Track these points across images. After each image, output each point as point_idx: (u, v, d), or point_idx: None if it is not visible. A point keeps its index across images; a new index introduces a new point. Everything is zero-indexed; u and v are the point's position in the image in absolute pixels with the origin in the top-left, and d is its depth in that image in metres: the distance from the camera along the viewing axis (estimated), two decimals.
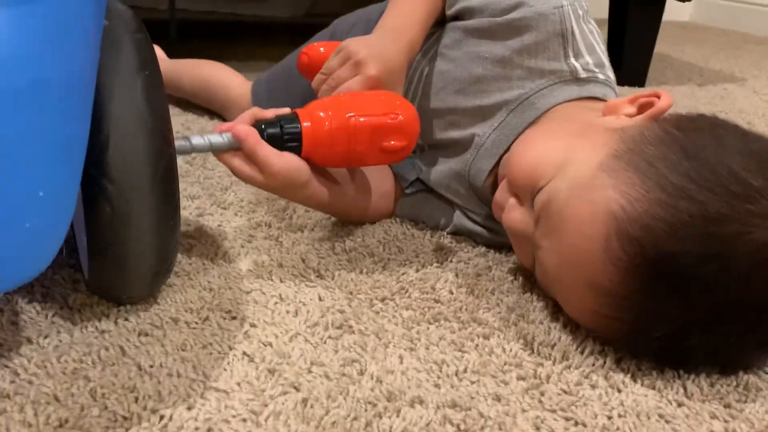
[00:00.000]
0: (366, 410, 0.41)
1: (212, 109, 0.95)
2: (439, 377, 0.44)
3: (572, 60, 0.57)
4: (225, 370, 0.43)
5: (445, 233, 0.64)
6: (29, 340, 0.45)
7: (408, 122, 0.55)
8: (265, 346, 0.46)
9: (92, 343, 0.45)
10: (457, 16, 0.62)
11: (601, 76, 0.58)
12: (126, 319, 0.48)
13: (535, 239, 0.50)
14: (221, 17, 1.40)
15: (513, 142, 0.58)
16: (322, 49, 0.64)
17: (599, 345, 0.48)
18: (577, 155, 0.48)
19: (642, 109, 0.52)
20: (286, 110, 0.54)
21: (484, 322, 0.50)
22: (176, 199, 0.45)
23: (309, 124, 0.53)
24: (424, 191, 0.64)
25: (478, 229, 0.62)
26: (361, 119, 0.53)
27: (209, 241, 0.60)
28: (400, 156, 0.57)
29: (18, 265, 0.35)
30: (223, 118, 0.93)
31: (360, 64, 0.55)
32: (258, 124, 0.53)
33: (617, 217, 0.43)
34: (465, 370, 0.45)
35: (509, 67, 0.58)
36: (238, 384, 0.42)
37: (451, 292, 0.54)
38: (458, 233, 0.64)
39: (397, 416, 0.40)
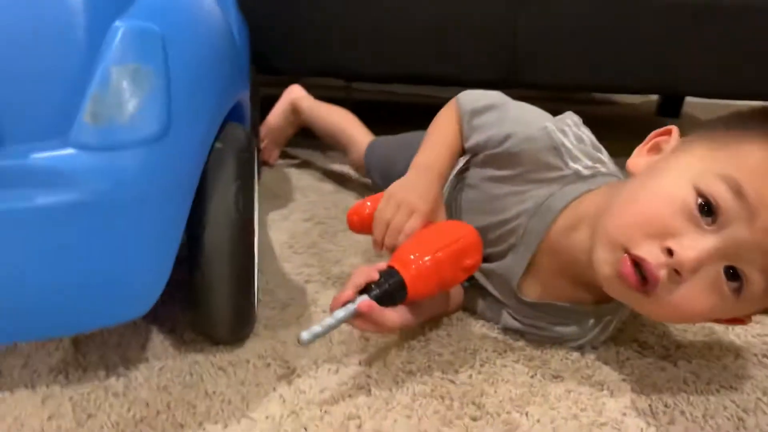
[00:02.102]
0: None
1: (335, 147, 1.20)
2: None
3: (572, 164, 0.65)
4: (262, 404, 0.58)
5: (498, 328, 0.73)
6: (147, 359, 0.64)
7: (475, 238, 0.67)
8: (300, 393, 0.60)
9: (183, 369, 0.62)
10: (473, 150, 0.73)
11: (603, 170, 0.65)
12: (214, 355, 0.65)
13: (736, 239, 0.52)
14: (398, 98, 1.59)
15: (540, 244, 0.66)
16: (368, 203, 0.72)
17: None
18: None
19: (655, 150, 0.61)
20: (383, 265, 0.62)
21: (482, 406, 0.59)
22: (251, 273, 0.62)
23: (407, 272, 0.61)
24: (478, 285, 0.74)
25: (520, 327, 0.70)
26: (444, 251, 0.63)
27: (303, 302, 0.76)
28: (476, 267, 0.68)
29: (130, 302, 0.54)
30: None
31: (411, 206, 0.66)
32: (369, 286, 0.61)
33: None
34: None
35: (519, 183, 0.68)
36: (266, 417, 0.56)
37: (470, 377, 0.63)
38: (508, 329, 0.72)
39: None
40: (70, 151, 0.49)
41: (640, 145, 0.63)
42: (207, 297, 0.60)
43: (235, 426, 0.55)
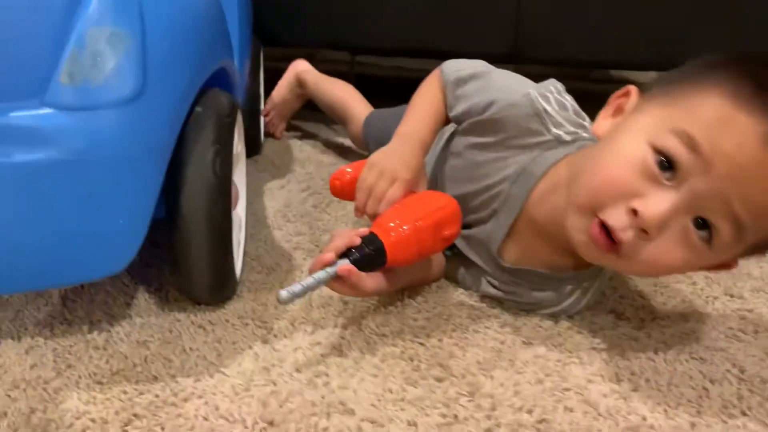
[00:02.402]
0: (311, 411, 0.54)
1: (337, 120, 1.22)
2: (379, 400, 0.56)
3: (554, 130, 0.66)
4: (236, 361, 0.60)
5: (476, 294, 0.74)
6: (130, 316, 0.66)
7: (455, 209, 0.68)
8: (274, 351, 0.62)
9: (164, 326, 0.65)
10: (457, 120, 0.74)
11: (585, 135, 0.66)
12: (195, 315, 0.67)
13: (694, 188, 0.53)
14: (405, 73, 1.60)
15: (521, 210, 0.67)
16: (349, 169, 0.74)
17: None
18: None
19: (618, 112, 0.61)
20: (365, 231, 0.64)
21: (447, 368, 0.60)
22: (228, 236, 0.64)
23: (387, 239, 0.62)
24: (460, 255, 0.75)
25: (498, 293, 0.71)
26: (424, 221, 0.65)
27: (289, 268, 0.78)
28: (455, 237, 0.69)
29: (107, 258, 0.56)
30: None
31: (393, 174, 0.67)
32: (349, 251, 0.62)
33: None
34: (402, 399, 0.56)
35: (502, 149, 0.68)
36: (238, 372, 0.59)
37: (441, 341, 0.65)
38: (486, 296, 0.73)
39: (327, 419, 0.53)
40: (46, 110, 0.51)
41: (604, 108, 0.63)
42: (185, 258, 0.62)
43: (207, 380, 0.57)
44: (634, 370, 0.62)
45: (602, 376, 0.61)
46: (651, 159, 0.54)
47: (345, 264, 0.61)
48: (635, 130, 0.57)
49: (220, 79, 0.72)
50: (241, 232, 0.77)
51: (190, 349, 0.62)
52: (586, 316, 0.71)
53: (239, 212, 0.77)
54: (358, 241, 0.63)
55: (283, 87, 1.28)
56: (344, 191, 0.73)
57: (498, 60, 1.42)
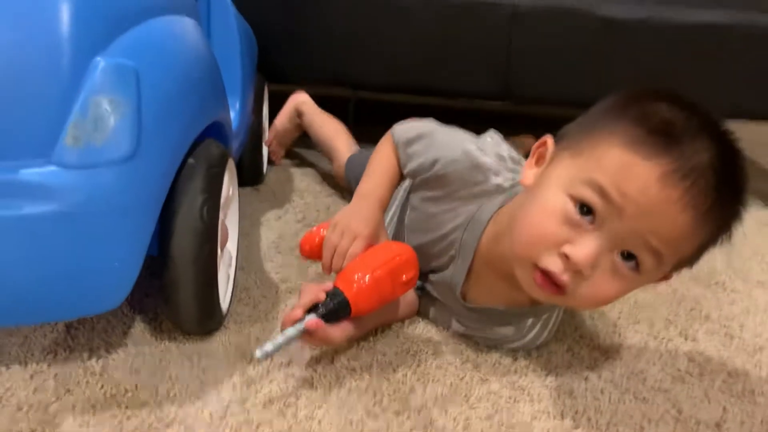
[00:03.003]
0: None
1: (324, 155, 1.30)
2: (341, 431, 0.62)
3: (494, 179, 0.73)
4: (216, 390, 0.67)
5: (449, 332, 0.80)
6: (126, 345, 0.73)
7: (410, 256, 0.74)
8: (251, 383, 0.69)
9: (155, 355, 0.72)
10: (410, 176, 0.81)
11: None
12: (184, 344, 0.74)
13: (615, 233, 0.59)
14: (402, 99, 1.66)
15: (475, 254, 0.74)
16: (320, 231, 0.78)
17: None
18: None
19: (540, 160, 0.68)
20: (329, 285, 0.70)
21: (407, 402, 0.67)
22: (213, 275, 0.70)
23: (350, 291, 0.69)
24: (431, 295, 0.81)
25: (466, 331, 0.78)
26: (382, 269, 0.71)
27: (275, 300, 0.85)
28: (414, 281, 0.75)
29: (103, 298, 0.63)
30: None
31: (354, 231, 0.74)
32: (315, 306, 0.69)
33: None
34: (361, 431, 0.62)
35: (451, 201, 0.76)
36: (216, 401, 0.65)
37: (405, 376, 0.71)
38: (457, 333, 0.79)
39: None
40: (52, 168, 0.58)
41: (528, 158, 0.70)
42: (174, 295, 0.69)
43: (189, 407, 0.64)
44: (578, 409, 0.68)
45: (548, 413, 0.67)
46: (571, 208, 0.61)
47: (312, 319, 0.67)
48: (554, 182, 0.63)
49: (214, 130, 0.79)
50: (231, 267, 0.84)
51: (176, 377, 0.68)
52: (544, 353, 0.77)
53: (230, 248, 0.84)
54: (323, 296, 0.70)
55: (283, 116, 1.36)
56: (313, 253, 0.79)
57: (491, 98, 1.50)
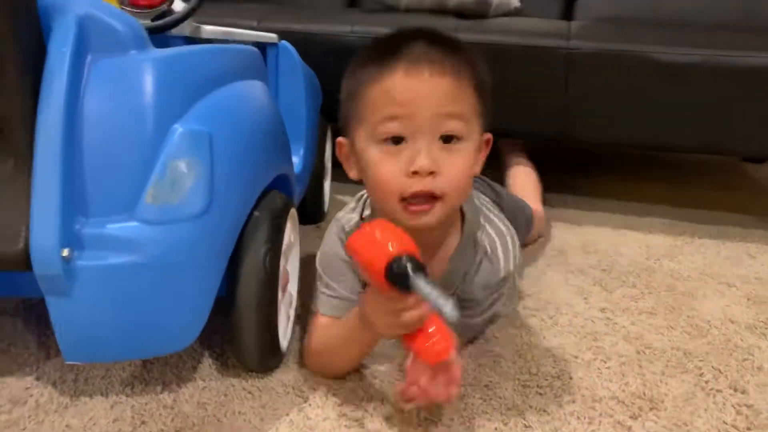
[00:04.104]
0: None
1: None
2: None
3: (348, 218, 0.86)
4: (274, 425, 0.72)
5: None
6: (195, 379, 0.80)
7: None
8: (307, 419, 0.74)
9: (221, 390, 0.78)
10: None
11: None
12: (246, 380, 0.80)
13: None
14: None
15: None
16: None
17: None
18: None
19: (347, 159, 0.80)
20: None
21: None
22: (274, 318, 0.76)
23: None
24: None
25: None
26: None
27: None
28: None
29: (176, 339, 0.70)
30: None
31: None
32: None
33: None
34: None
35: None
36: None
37: (452, 419, 0.75)
38: None
39: None
40: (134, 224, 0.66)
41: (344, 166, 0.81)
42: (238, 335, 0.76)
43: None
44: None
45: None
46: (388, 148, 0.73)
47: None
48: (364, 148, 0.75)
49: (278, 181, 0.86)
50: (291, 307, 0.90)
51: (239, 412, 0.74)
52: (588, 400, 0.79)
53: (290, 290, 0.90)
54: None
55: None
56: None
57: (548, 140, 1.52)
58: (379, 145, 0.73)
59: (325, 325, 0.81)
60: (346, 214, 0.87)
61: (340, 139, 0.80)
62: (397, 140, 0.72)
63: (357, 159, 0.77)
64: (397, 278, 0.63)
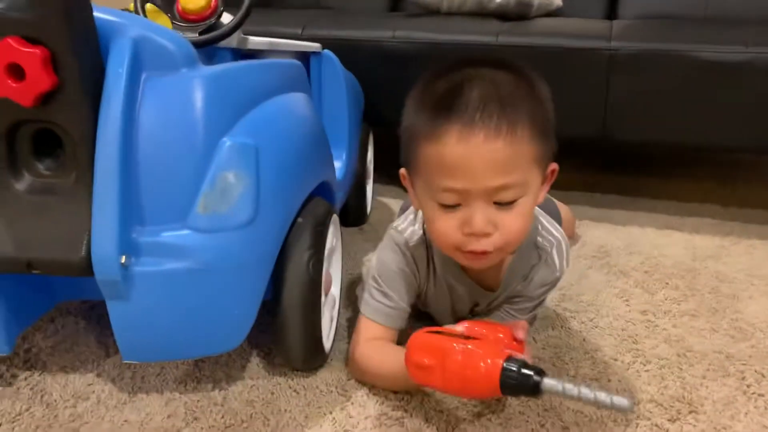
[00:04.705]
0: None
1: None
2: None
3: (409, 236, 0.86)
4: (318, 423, 0.76)
5: None
6: (243, 378, 0.84)
7: None
8: (349, 417, 0.77)
9: (268, 388, 0.82)
10: None
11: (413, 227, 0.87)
12: (292, 379, 0.84)
13: None
14: None
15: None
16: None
17: None
18: None
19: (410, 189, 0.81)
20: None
21: None
22: (317, 319, 0.80)
23: None
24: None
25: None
26: None
27: None
28: None
29: (225, 339, 0.74)
30: None
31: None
32: None
33: None
34: None
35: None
36: None
37: (489, 420, 0.77)
38: None
39: None
40: (187, 232, 0.70)
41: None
42: (284, 336, 0.79)
43: None
44: None
45: None
46: (450, 214, 0.73)
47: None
48: (424, 201, 0.76)
49: (320, 188, 0.89)
50: (334, 309, 0.93)
51: (285, 410, 0.78)
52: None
53: (333, 293, 0.93)
54: None
55: None
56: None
57: (589, 140, 1.52)
58: (437, 206, 0.73)
59: (372, 337, 0.84)
60: (408, 226, 0.87)
61: (402, 171, 0.80)
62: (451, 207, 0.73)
63: (416, 194, 0.78)
64: (519, 390, 0.64)
